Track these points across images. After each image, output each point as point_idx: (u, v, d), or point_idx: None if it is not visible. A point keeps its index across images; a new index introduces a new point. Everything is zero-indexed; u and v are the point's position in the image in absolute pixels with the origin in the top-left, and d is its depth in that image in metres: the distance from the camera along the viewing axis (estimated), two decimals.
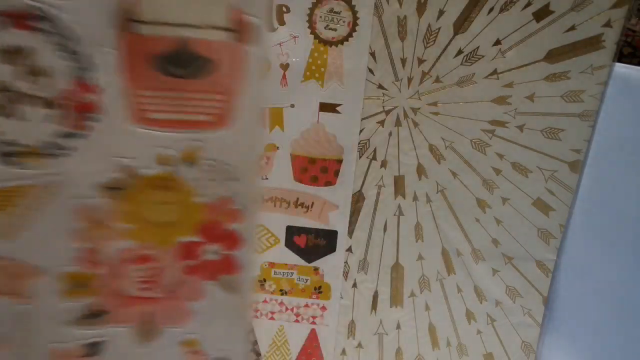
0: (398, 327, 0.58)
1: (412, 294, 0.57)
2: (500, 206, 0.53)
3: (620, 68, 0.48)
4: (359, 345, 0.58)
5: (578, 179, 0.52)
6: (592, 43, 0.48)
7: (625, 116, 0.48)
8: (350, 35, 0.49)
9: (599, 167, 0.50)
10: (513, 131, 0.51)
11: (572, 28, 0.48)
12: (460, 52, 0.50)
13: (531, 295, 0.55)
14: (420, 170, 0.54)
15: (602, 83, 0.49)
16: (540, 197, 0.53)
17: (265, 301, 0.57)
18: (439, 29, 0.49)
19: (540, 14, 0.48)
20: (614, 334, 0.49)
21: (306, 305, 0.57)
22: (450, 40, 0.49)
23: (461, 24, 0.49)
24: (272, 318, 0.57)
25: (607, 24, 0.47)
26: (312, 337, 0.57)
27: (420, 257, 0.56)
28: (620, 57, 0.49)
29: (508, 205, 0.53)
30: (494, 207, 0.54)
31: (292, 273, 0.56)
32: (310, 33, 0.49)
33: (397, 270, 0.56)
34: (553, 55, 0.49)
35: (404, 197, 0.54)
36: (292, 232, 0.55)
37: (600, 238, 0.50)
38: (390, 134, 0.52)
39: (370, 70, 0.50)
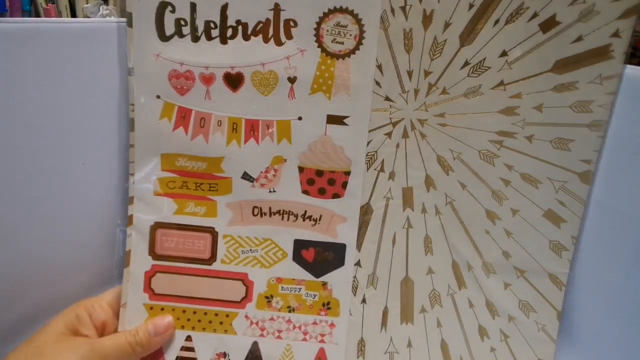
0: (409, 344, 0.56)
1: (423, 309, 0.56)
2: (510, 218, 0.53)
3: (629, 70, 0.47)
4: None
5: (589, 189, 0.51)
6: (601, 53, 0.48)
7: (636, 125, 0.47)
8: (357, 48, 0.49)
9: (609, 177, 0.50)
10: (522, 142, 0.51)
11: (579, 39, 0.48)
12: (466, 63, 0.50)
13: (545, 310, 0.54)
14: (429, 182, 0.53)
15: (611, 93, 0.49)
16: (550, 208, 0.52)
17: (272, 319, 0.55)
18: (445, 41, 0.49)
19: (547, 25, 0.48)
20: (634, 350, 0.47)
21: (314, 323, 0.55)
22: (457, 52, 0.49)
23: (467, 36, 0.49)
24: (279, 337, 0.56)
25: (616, 34, 0.47)
26: (321, 356, 0.56)
27: (430, 271, 0.55)
28: None
29: (518, 216, 0.53)
30: (504, 218, 0.53)
31: (300, 288, 0.55)
32: (318, 46, 0.49)
33: (406, 284, 0.55)
34: (560, 66, 0.49)
35: (413, 209, 0.54)
36: (299, 245, 0.54)
37: (614, 249, 0.49)
38: (397, 146, 0.52)
39: (377, 83, 0.50)
